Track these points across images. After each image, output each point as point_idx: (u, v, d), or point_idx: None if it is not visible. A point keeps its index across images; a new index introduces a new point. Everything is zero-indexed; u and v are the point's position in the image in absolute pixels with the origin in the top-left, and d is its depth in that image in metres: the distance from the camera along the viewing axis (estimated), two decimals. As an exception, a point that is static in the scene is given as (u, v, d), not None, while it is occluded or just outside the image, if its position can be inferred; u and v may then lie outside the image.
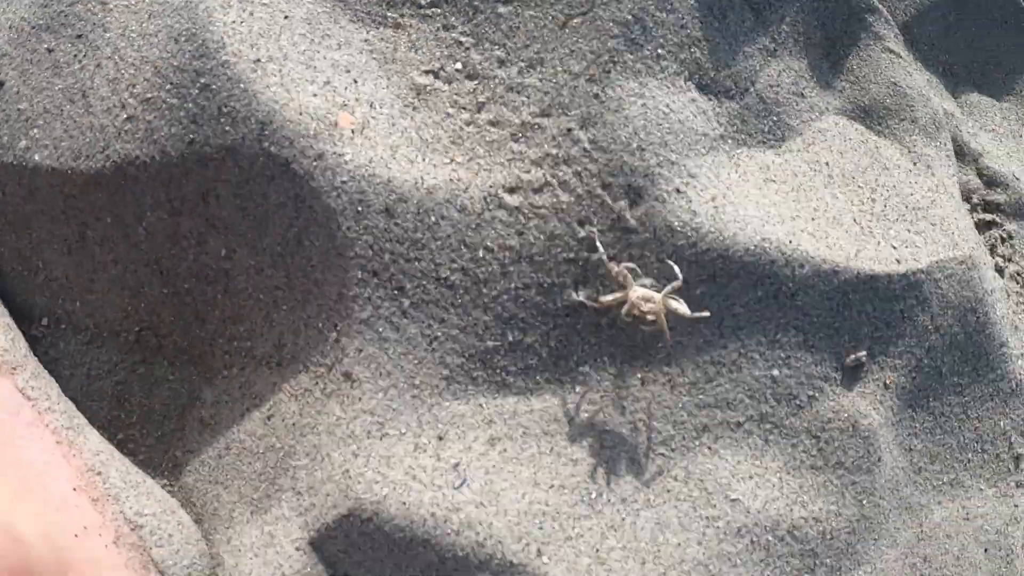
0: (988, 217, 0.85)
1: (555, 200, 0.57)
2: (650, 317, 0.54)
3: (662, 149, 0.57)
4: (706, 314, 0.56)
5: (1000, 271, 0.84)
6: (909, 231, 0.70)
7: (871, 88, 0.82)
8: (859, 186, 0.72)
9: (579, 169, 0.57)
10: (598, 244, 0.55)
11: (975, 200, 0.87)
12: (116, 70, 0.60)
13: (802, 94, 0.75)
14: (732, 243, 0.57)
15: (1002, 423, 0.79)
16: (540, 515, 0.56)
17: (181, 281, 0.64)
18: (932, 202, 0.75)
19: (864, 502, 0.69)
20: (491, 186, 0.57)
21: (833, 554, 0.69)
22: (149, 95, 0.59)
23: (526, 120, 0.59)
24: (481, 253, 0.57)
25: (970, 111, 0.94)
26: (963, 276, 0.71)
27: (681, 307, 0.55)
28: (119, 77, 0.59)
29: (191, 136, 0.58)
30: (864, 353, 0.65)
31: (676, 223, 0.57)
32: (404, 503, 0.54)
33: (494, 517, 0.55)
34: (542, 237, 0.57)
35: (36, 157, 0.61)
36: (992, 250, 0.84)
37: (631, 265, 0.55)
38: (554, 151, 0.57)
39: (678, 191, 0.57)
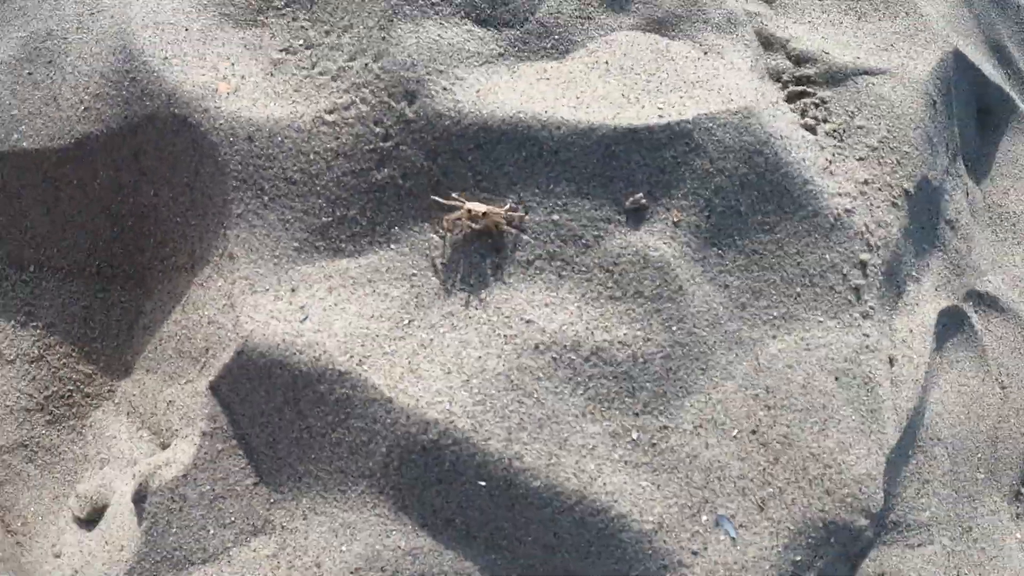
0: (799, 89, 1.12)
1: (358, 111, 0.94)
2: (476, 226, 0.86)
3: (431, 64, 0.94)
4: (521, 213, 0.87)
5: (812, 129, 1.09)
6: (681, 97, 1.00)
7: (663, 3, 1.15)
8: (636, 74, 1.03)
9: (373, 88, 0.94)
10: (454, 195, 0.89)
11: (785, 78, 1.15)
12: (76, 79, 1.06)
13: (589, 17, 1.10)
14: (490, 117, 0.90)
15: (828, 256, 1.01)
16: (363, 336, 0.87)
17: (125, 220, 1.07)
18: (714, 76, 1.04)
19: (674, 328, 0.94)
20: (317, 112, 0.96)
21: (652, 379, 0.93)
22: (98, 92, 1.04)
23: (341, 65, 0.98)
24: (312, 156, 0.95)
25: (784, 11, 1.24)
26: (739, 124, 0.98)
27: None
28: (78, 84, 1.06)
29: (125, 113, 1.02)
30: (641, 196, 0.93)
31: (442, 109, 0.91)
32: (264, 334, 0.88)
33: (327, 339, 0.87)
34: (351, 138, 0.94)
35: (24, 144, 1.08)
36: (804, 113, 1.10)
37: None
38: (357, 80, 0.95)
39: (444, 89, 0.92)
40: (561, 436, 0.87)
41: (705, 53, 1.10)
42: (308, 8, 1.06)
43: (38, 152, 1.08)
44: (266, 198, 0.95)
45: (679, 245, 0.95)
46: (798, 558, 0.95)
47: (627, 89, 1.00)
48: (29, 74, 1.11)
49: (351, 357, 0.86)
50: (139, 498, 0.92)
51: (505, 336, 0.88)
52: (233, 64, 1.05)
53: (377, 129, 0.94)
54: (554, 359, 0.89)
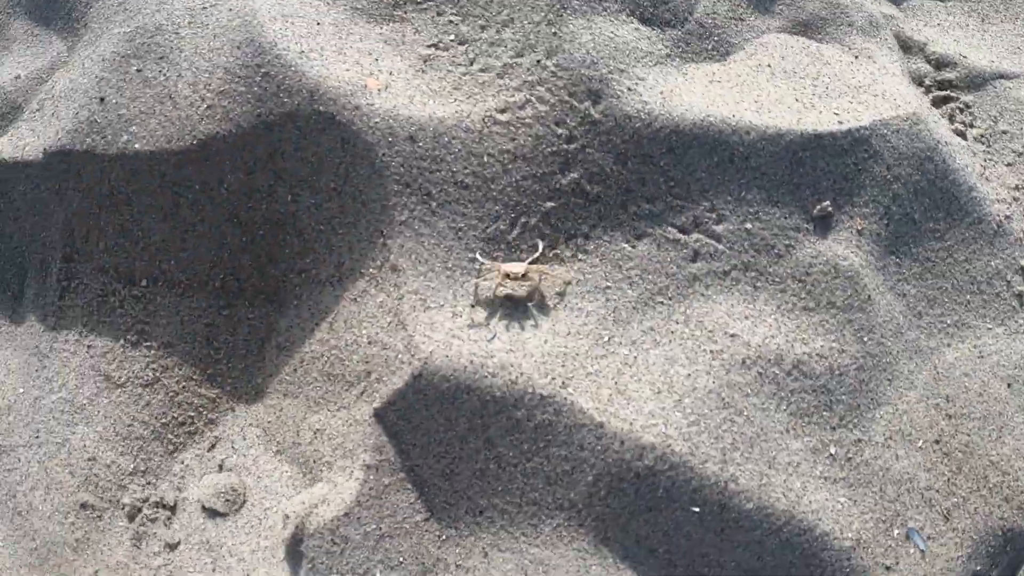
0: (943, 94, 1.11)
1: (535, 111, 0.87)
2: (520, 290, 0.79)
3: (612, 62, 0.88)
4: (569, 276, 0.81)
5: (963, 135, 1.09)
6: (851, 102, 0.97)
7: (807, 5, 1.13)
8: (800, 78, 1.00)
9: (549, 86, 0.88)
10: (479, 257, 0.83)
11: (928, 83, 1.14)
12: (194, 76, 0.96)
13: (741, 19, 1.07)
14: (680, 120, 0.85)
15: (993, 263, 1.00)
16: (562, 356, 0.81)
17: (256, 228, 0.97)
18: (874, 81, 1.02)
19: (865, 339, 0.91)
20: (486, 111, 0.88)
21: (847, 392, 0.90)
22: (222, 88, 0.94)
23: (506, 62, 0.91)
24: (485, 159, 0.88)
25: (913, 13, 1.23)
26: (910, 130, 0.96)
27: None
28: (197, 81, 0.95)
29: (258, 111, 0.93)
30: (828, 204, 0.90)
31: (631, 111, 0.86)
32: (447, 356, 0.80)
33: (523, 359, 0.80)
34: (530, 139, 0.87)
35: (136, 146, 0.97)
36: (951, 119, 1.10)
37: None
38: (530, 78, 0.88)
39: (629, 90, 0.87)
40: (770, 455, 0.83)
41: (856, 57, 1.08)
42: (455, 2, 0.99)
43: (153, 155, 0.97)
44: (434, 204, 0.87)
45: (864, 254, 0.92)
46: (978, 567, 0.93)
47: (798, 94, 0.96)
48: (138, 71, 1.00)
49: (552, 379, 0.79)
50: (295, 541, 0.83)
51: (711, 352, 0.83)
52: (377, 60, 0.96)
53: (559, 130, 0.87)
54: (759, 374, 0.84)
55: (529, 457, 0.81)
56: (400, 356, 0.82)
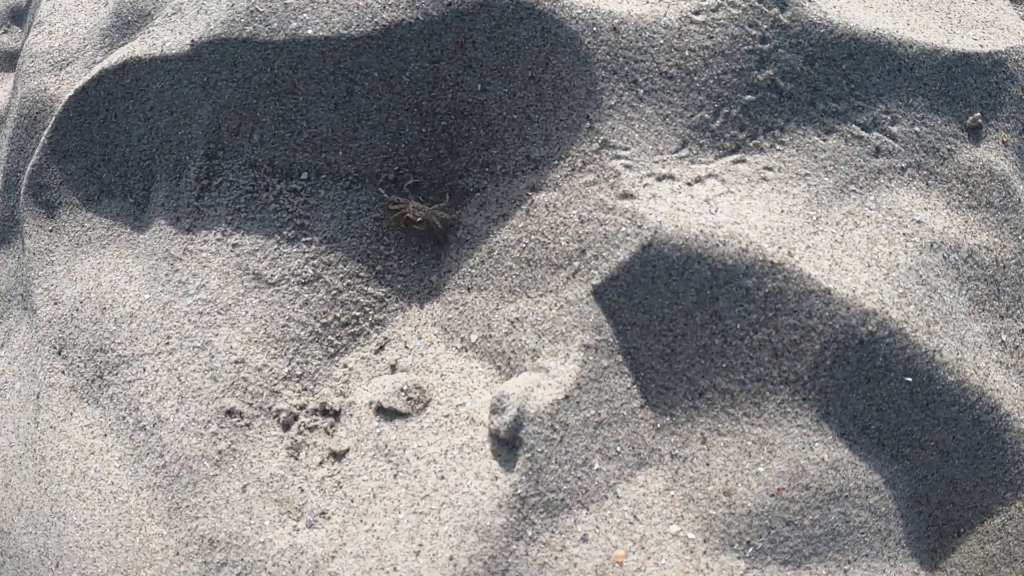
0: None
1: (728, 14, 0.92)
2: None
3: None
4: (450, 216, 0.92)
5: None
6: (984, 32, 1.09)
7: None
8: (936, 11, 1.12)
9: (742, -10, 0.94)
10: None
11: None
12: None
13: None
14: (856, 30, 0.93)
15: None
16: (781, 229, 0.83)
17: (439, 119, 0.94)
18: (997, 18, 1.15)
19: (1021, 238, 0.99)
20: (682, 11, 0.93)
21: (1010, 284, 0.97)
22: (409, -22, 0.93)
23: (696, -30, 0.97)
24: (687, 53, 0.91)
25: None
26: (1034, 59, 1.09)
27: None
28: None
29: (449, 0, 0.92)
30: (979, 115, 1.00)
31: (814, 18, 0.93)
32: (676, 225, 0.80)
33: (749, 230, 0.82)
34: (727, 38, 0.92)
35: (308, 32, 0.93)
36: None
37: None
38: (722, -15, 0.95)
39: (809, 1, 0.94)
40: (960, 333, 0.87)
41: (975, 1, 1.22)
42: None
43: (327, 41, 0.93)
44: (641, 91, 0.89)
45: (1010, 163, 1.02)
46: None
47: (939, 23, 1.07)
48: (308, -39, 0.97)
49: (780, 248, 0.81)
50: (512, 429, 0.78)
51: (904, 234, 0.88)
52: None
53: (753, 32, 0.92)
54: (944, 258, 0.89)
55: (756, 328, 0.81)
56: (623, 229, 0.82)
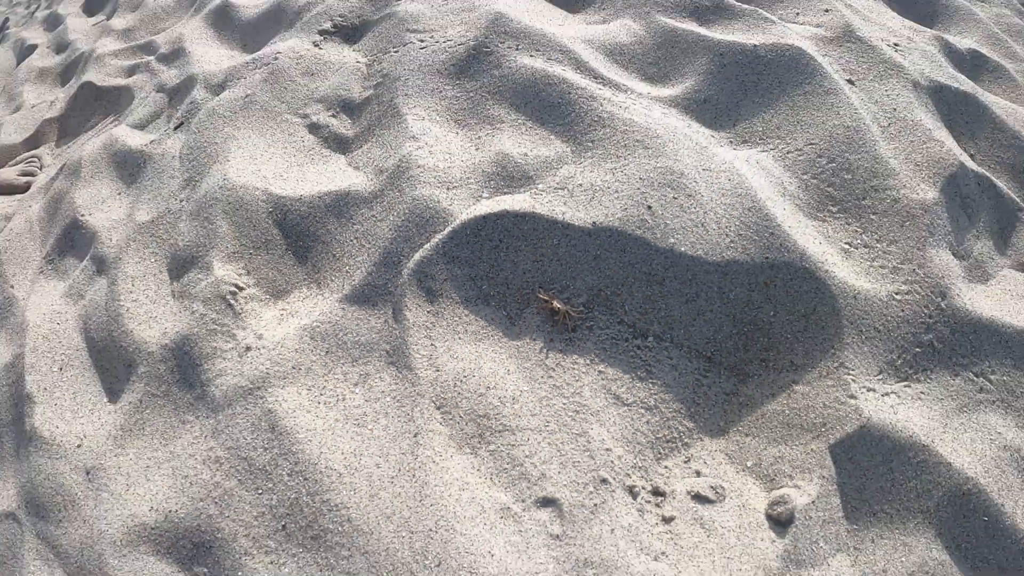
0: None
1: (915, 297, 1.72)
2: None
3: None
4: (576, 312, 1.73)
5: None
6: None
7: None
8: None
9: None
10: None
11: None
12: (716, 216, 1.69)
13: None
14: (981, 316, 1.75)
15: None
16: (925, 427, 1.60)
17: (744, 325, 1.67)
18: None
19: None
20: (889, 292, 1.71)
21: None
22: (740, 232, 1.68)
23: (895, 267, 1.76)
24: (889, 318, 1.69)
25: None
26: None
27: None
28: (720, 219, 1.68)
29: (765, 254, 1.67)
30: (1026, 383, 1.85)
31: (958, 305, 1.75)
32: (878, 418, 1.56)
33: (911, 425, 1.58)
34: (911, 311, 1.71)
35: (681, 248, 1.64)
36: None
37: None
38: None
39: (959, 296, 1.76)
40: (1020, 500, 1.67)
41: None
42: (859, 219, 1.82)
43: (691, 258, 1.65)
44: (864, 336, 1.65)
45: (1039, 414, 1.86)
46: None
47: None
48: (674, 198, 1.68)
49: (926, 435, 1.57)
50: (789, 513, 1.48)
51: (990, 439, 1.68)
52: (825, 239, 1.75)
53: (925, 310, 1.72)
54: (1011, 455, 1.70)
55: (898, 475, 1.57)
56: (850, 415, 1.55)
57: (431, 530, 1.56)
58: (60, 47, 4.89)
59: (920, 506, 1.57)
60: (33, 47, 5.41)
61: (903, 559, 1.52)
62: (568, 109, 2.05)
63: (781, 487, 1.59)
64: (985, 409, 1.73)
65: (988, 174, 2.15)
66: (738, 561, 1.47)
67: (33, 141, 3.68)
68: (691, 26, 2.46)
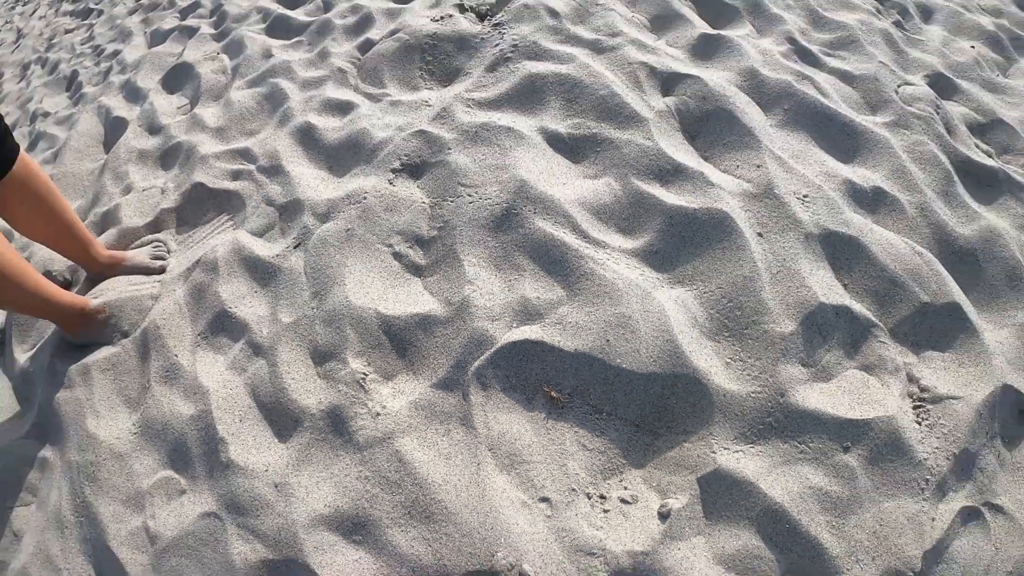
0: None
1: (758, 397, 2.97)
2: None
3: None
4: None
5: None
6: None
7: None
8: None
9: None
10: None
11: None
12: (637, 356, 2.92)
13: None
14: (806, 408, 3.01)
15: None
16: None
17: (658, 413, 2.91)
18: None
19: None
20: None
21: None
22: (652, 370, 2.91)
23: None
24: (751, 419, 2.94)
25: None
26: None
27: None
28: (641, 357, 2.91)
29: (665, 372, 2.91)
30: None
31: (793, 401, 3.00)
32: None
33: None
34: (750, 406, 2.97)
35: (624, 366, 2.87)
36: None
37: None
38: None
39: (796, 393, 3.01)
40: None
41: None
42: (740, 343, 3.08)
43: (630, 371, 2.88)
44: (731, 420, 2.90)
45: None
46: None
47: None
48: (623, 334, 2.92)
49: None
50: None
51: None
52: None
53: (768, 416, 2.98)
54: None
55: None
56: (710, 461, 2.81)
57: (487, 512, 2.77)
58: (152, 129, 5.73)
59: (746, 515, 2.81)
60: (120, 120, 6.16)
61: (735, 542, 2.76)
62: (565, 265, 3.28)
63: (668, 498, 2.81)
64: (801, 464, 2.98)
65: (848, 302, 3.37)
66: (640, 533, 2.70)
67: (154, 226, 4.40)
68: (654, 188, 3.66)
